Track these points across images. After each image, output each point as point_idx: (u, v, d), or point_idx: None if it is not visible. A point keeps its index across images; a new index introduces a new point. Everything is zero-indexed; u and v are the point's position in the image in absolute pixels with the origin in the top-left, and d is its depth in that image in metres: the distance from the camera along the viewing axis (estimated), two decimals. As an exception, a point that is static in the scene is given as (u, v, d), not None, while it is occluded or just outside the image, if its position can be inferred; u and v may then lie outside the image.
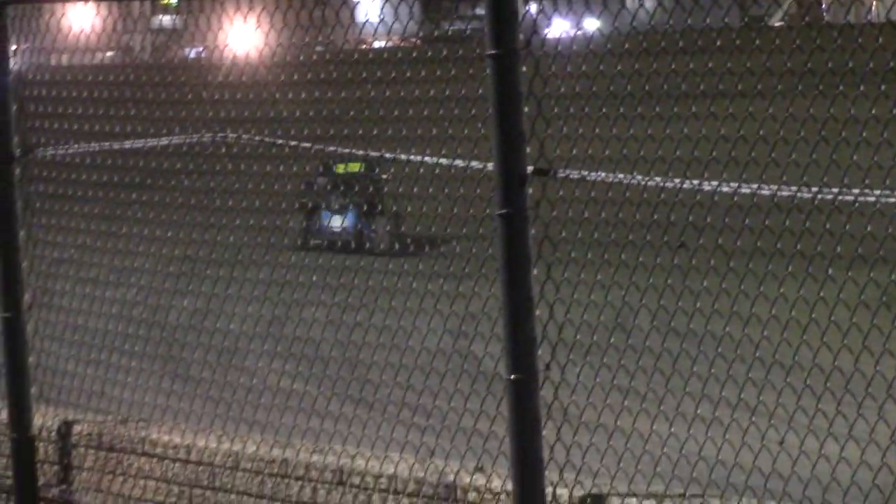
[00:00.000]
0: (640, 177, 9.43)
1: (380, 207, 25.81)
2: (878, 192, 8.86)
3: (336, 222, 26.20)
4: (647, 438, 9.52)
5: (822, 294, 8.73)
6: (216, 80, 12.52)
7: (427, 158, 10.59)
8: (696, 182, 9.42)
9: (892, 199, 9.08)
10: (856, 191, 8.75)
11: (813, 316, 8.86)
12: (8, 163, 11.44)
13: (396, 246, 17.52)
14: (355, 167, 26.05)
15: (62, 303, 12.73)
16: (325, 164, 25.32)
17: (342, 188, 27.13)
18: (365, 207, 26.02)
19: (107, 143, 11.87)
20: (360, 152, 15.28)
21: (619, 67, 9.74)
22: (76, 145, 11.83)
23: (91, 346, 11.97)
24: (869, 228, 8.87)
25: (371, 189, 26.51)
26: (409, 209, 13.93)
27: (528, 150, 9.14)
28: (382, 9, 12.18)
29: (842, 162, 8.85)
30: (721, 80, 9.60)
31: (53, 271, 12.89)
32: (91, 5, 12.84)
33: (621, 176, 9.38)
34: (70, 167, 12.05)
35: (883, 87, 9.72)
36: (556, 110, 9.47)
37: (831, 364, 9.27)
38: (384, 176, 24.23)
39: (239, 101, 12.37)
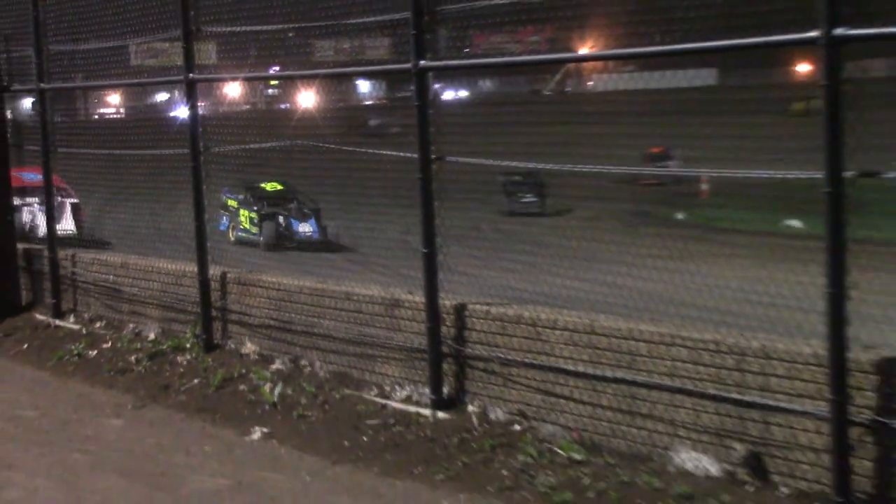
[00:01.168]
0: (482, 160, 10.00)
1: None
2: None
3: (304, 227, 25.02)
4: (487, 280, 10.07)
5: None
6: (297, 117, 12.87)
7: (389, 152, 10.75)
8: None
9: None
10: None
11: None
12: (198, 154, 11.89)
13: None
14: (279, 186, 25.15)
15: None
16: (248, 185, 24.37)
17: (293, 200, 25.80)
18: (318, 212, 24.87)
19: (244, 146, 12.11)
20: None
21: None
22: (233, 146, 12.22)
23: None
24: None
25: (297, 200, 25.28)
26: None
27: (433, 147, 9.35)
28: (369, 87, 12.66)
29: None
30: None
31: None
32: (237, 83, 13.23)
33: (474, 160, 9.93)
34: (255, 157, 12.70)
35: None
36: (446, 130, 9.51)
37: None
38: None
39: (307, 125, 12.72)
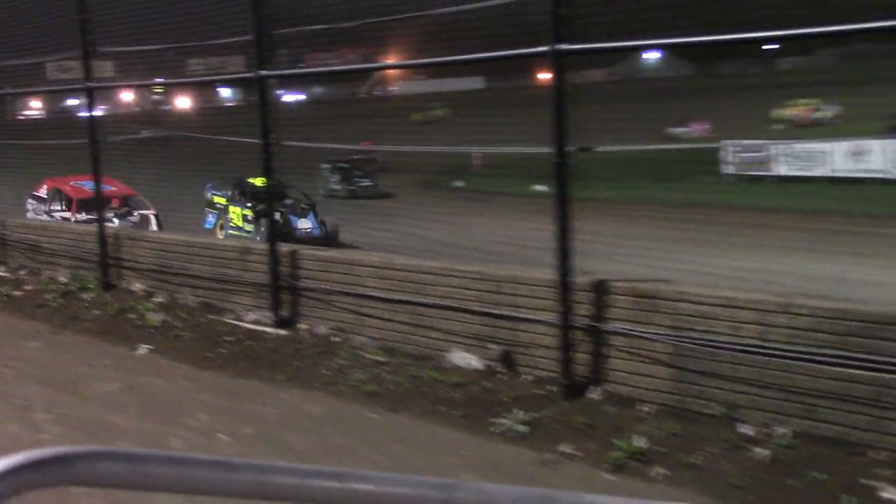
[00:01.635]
0: (316, 144, 9.85)
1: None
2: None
3: (304, 223, 17.22)
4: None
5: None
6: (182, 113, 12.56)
7: (240, 139, 10.56)
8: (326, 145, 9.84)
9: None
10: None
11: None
12: (97, 144, 11.31)
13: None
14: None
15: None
16: (235, 181, 20.57)
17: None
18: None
19: (131, 136, 11.86)
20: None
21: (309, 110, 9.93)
22: (123, 137, 11.82)
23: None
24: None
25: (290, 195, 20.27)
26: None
27: (272, 135, 9.07)
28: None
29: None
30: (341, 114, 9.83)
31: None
32: (131, 91, 12.86)
33: (315, 144, 9.77)
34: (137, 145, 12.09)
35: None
36: (285, 123, 9.33)
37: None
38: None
39: (190, 118, 12.44)
